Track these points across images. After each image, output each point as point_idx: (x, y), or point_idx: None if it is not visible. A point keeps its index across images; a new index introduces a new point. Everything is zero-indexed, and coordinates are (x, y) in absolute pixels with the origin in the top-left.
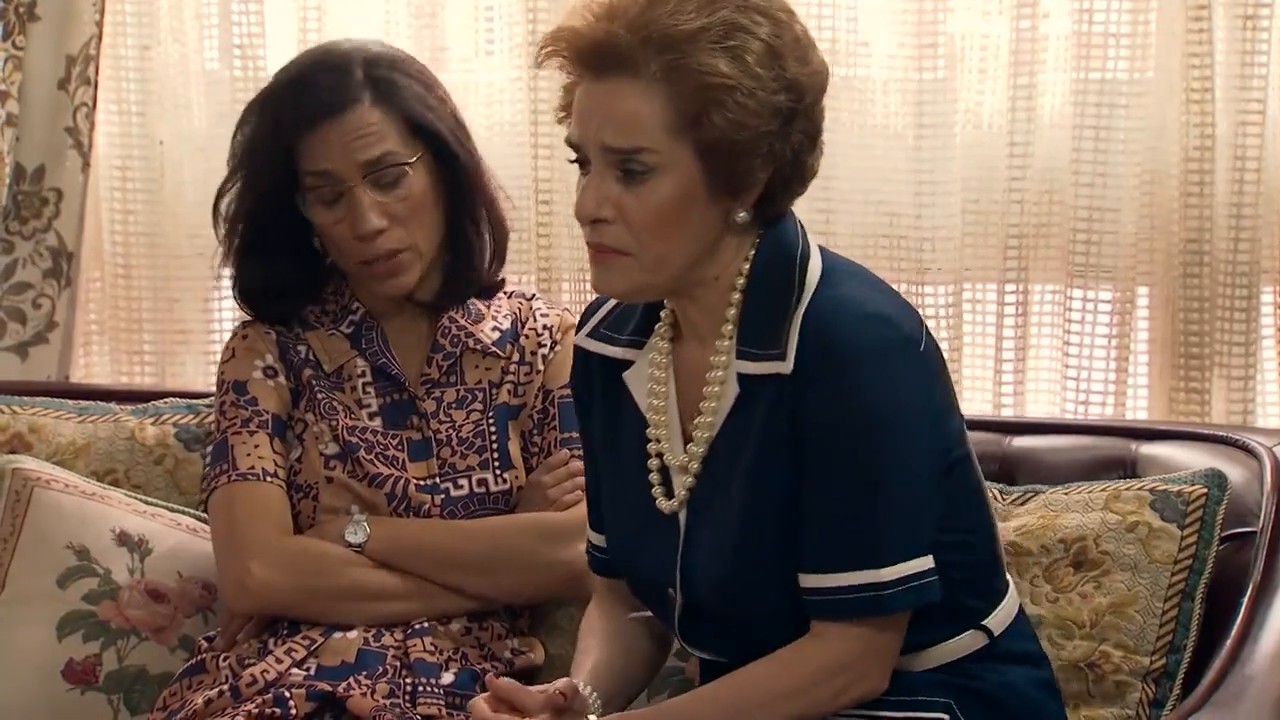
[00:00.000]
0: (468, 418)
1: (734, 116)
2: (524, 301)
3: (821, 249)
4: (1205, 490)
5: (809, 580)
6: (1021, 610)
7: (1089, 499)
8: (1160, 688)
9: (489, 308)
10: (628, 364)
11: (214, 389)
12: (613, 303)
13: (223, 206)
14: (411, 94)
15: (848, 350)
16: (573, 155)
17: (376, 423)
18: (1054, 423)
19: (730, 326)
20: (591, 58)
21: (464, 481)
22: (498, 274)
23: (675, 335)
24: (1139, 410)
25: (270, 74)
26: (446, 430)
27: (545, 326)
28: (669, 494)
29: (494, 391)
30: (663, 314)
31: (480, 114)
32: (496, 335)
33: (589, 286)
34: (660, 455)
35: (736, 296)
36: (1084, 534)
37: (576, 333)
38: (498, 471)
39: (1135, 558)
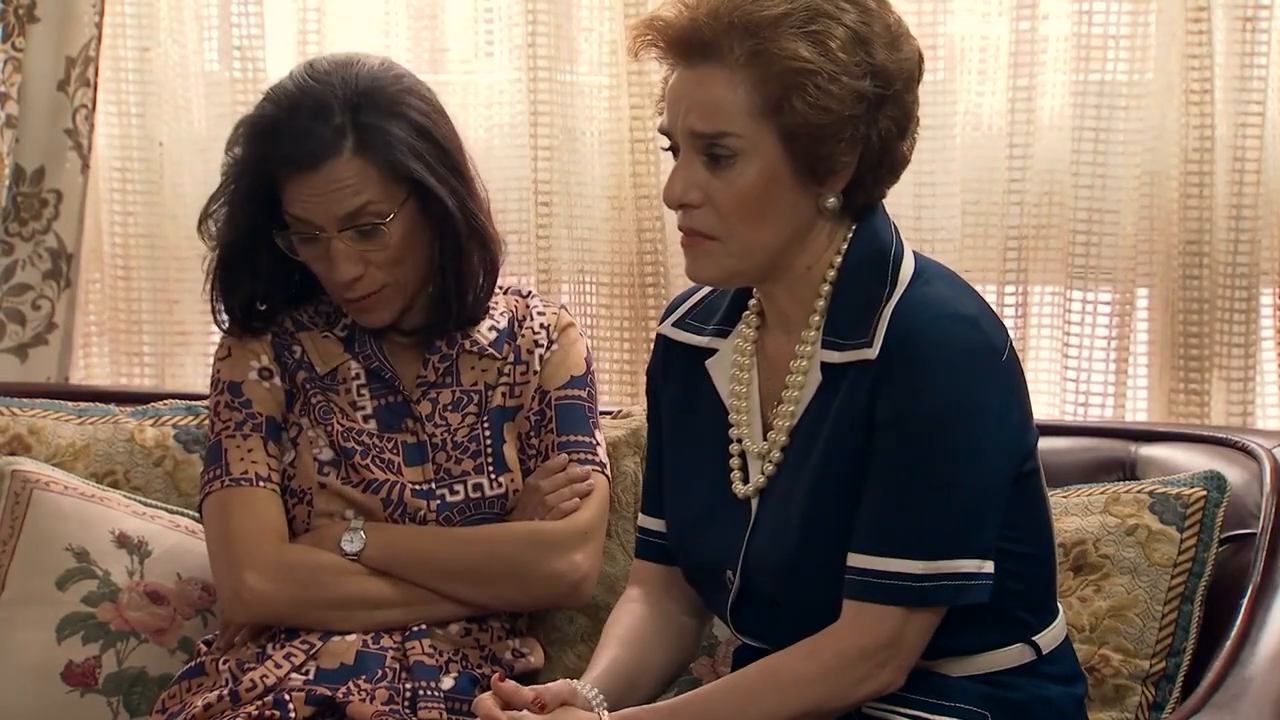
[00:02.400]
0: (463, 420)
1: (815, 101)
2: (520, 299)
3: (915, 252)
4: (1205, 492)
5: (853, 560)
6: (1068, 635)
7: (1088, 502)
8: (1160, 690)
9: None
10: (710, 352)
11: (210, 386)
12: (699, 295)
13: (211, 224)
14: (397, 139)
15: (929, 345)
16: (665, 144)
17: (371, 425)
18: (1053, 424)
19: (818, 317)
20: (679, 46)
21: (459, 487)
22: (484, 306)
23: (760, 324)
24: (1138, 412)
25: (270, 75)
26: (442, 434)
27: (542, 325)
28: (745, 479)
29: (489, 393)
30: (750, 303)
31: (480, 115)
32: (494, 335)
33: (588, 288)
34: (740, 441)
35: (826, 288)
36: (1084, 538)
37: (662, 322)
38: (493, 476)
39: (1135, 561)
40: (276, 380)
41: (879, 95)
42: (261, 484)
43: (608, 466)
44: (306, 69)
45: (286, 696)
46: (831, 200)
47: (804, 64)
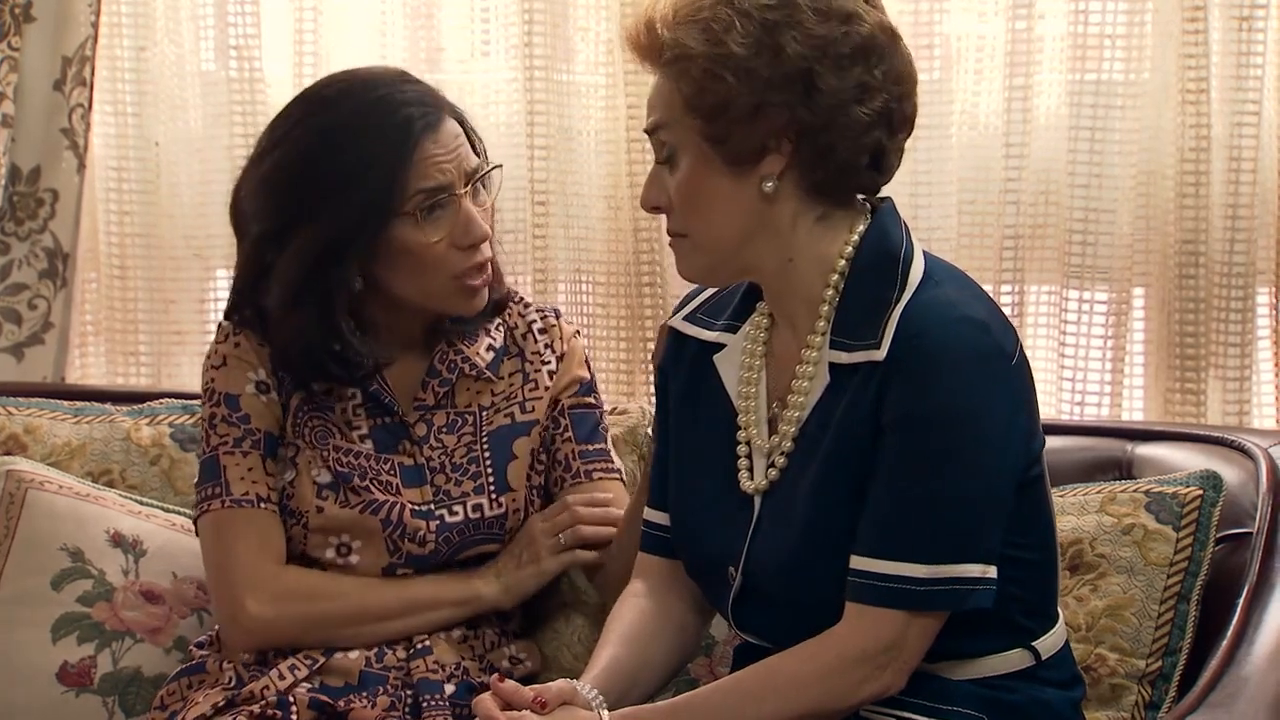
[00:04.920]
0: (459, 441)
1: (704, 86)
2: (511, 305)
3: (926, 252)
4: (1201, 492)
5: (856, 562)
6: (1067, 640)
7: (1085, 501)
8: (1156, 690)
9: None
10: (719, 347)
11: (202, 395)
12: (712, 290)
13: (286, 268)
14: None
15: (937, 348)
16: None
17: (367, 446)
18: (1050, 423)
19: (824, 322)
20: (642, 55)
21: (459, 508)
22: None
23: (770, 321)
24: (1134, 411)
25: (266, 75)
26: (439, 456)
27: (546, 345)
28: (750, 475)
29: (484, 415)
30: (760, 303)
31: (476, 115)
32: (490, 356)
33: (584, 287)
34: (748, 441)
35: (830, 292)
36: (1080, 537)
37: (674, 315)
38: (494, 496)
39: (1131, 560)
40: (274, 394)
41: (782, 75)
42: (262, 505)
43: (622, 470)
44: (362, 71)
45: (290, 699)
46: (769, 185)
47: (688, 51)
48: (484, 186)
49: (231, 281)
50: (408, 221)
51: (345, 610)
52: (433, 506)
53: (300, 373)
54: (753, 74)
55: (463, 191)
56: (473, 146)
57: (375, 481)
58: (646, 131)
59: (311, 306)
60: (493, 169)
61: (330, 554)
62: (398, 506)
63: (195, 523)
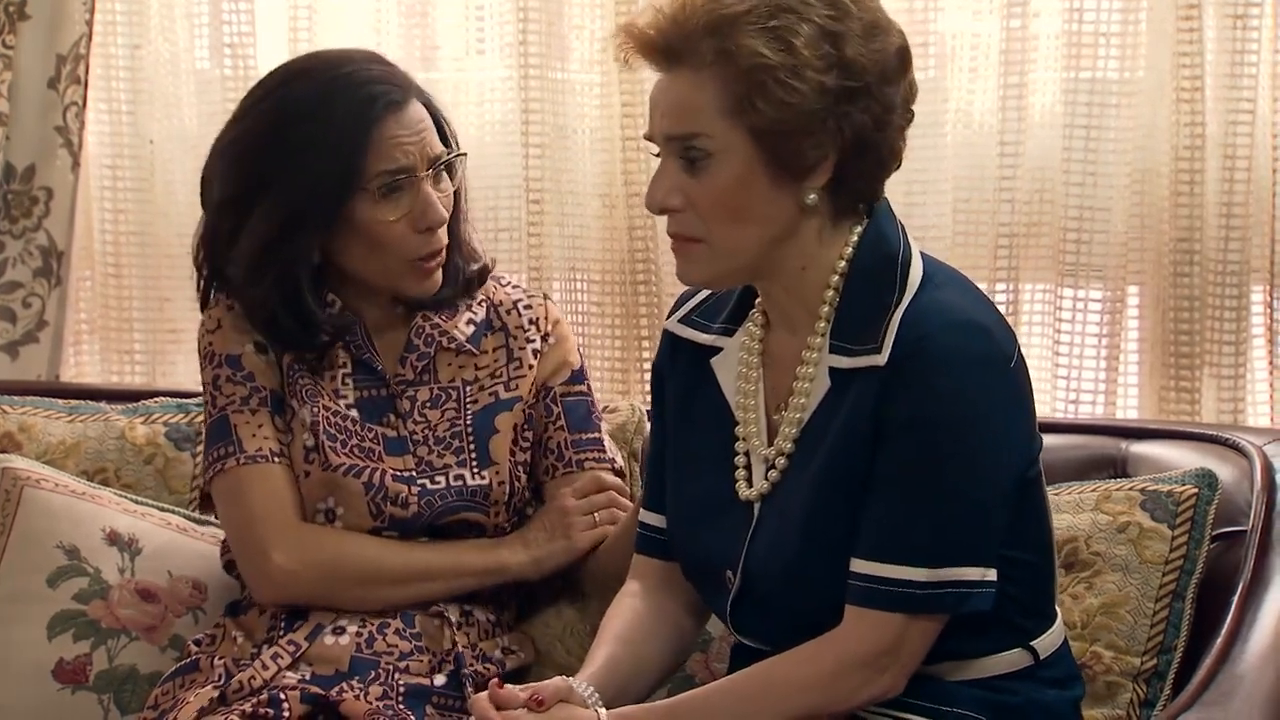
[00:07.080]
0: (443, 416)
1: (777, 98)
2: (496, 285)
3: (923, 253)
4: (1196, 490)
5: (856, 565)
6: (1066, 638)
7: (1080, 499)
8: (1151, 688)
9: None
10: (715, 351)
11: (201, 361)
12: (707, 291)
13: (248, 238)
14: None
15: (940, 354)
16: (654, 150)
17: (353, 414)
18: (1044, 422)
19: (824, 324)
20: (652, 51)
21: (441, 478)
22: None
23: (765, 324)
24: (1129, 409)
25: (261, 73)
26: (422, 430)
27: (531, 321)
28: (749, 482)
29: (468, 390)
30: (756, 302)
31: (471, 113)
32: (471, 330)
33: (579, 285)
34: (746, 450)
35: (830, 294)
36: (1075, 535)
37: (668, 318)
38: (475, 469)
39: (1126, 558)
40: (270, 355)
41: (847, 89)
42: (276, 460)
43: (616, 460)
44: (327, 54)
45: (282, 695)
46: (812, 197)
47: (763, 61)
48: (448, 174)
49: (193, 248)
50: (366, 199)
51: (366, 568)
52: (414, 474)
53: (269, 339)
54: (825, 88)
55: (424, 175)
56: (442, 134)
57: (358, 447)
58: (673, 137)
59: (272, 276)
60: (457, 156)
61: (319, 519)
62: (379, 471)
63: (207, 485)
